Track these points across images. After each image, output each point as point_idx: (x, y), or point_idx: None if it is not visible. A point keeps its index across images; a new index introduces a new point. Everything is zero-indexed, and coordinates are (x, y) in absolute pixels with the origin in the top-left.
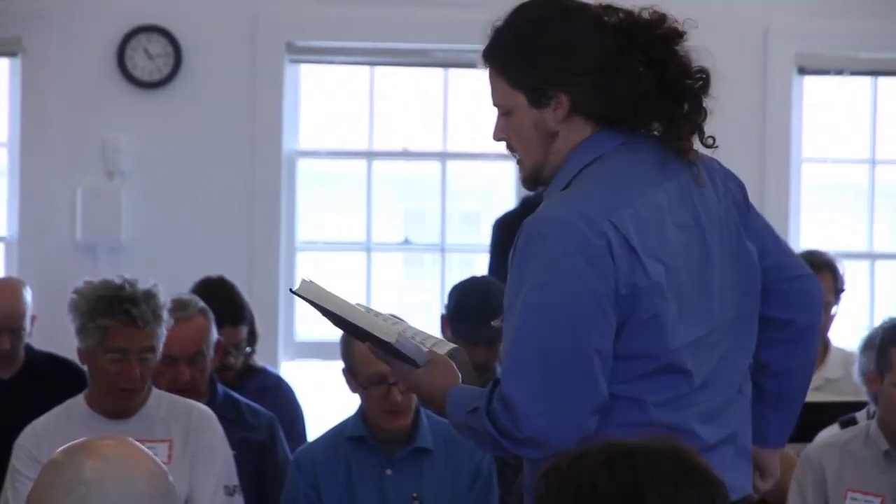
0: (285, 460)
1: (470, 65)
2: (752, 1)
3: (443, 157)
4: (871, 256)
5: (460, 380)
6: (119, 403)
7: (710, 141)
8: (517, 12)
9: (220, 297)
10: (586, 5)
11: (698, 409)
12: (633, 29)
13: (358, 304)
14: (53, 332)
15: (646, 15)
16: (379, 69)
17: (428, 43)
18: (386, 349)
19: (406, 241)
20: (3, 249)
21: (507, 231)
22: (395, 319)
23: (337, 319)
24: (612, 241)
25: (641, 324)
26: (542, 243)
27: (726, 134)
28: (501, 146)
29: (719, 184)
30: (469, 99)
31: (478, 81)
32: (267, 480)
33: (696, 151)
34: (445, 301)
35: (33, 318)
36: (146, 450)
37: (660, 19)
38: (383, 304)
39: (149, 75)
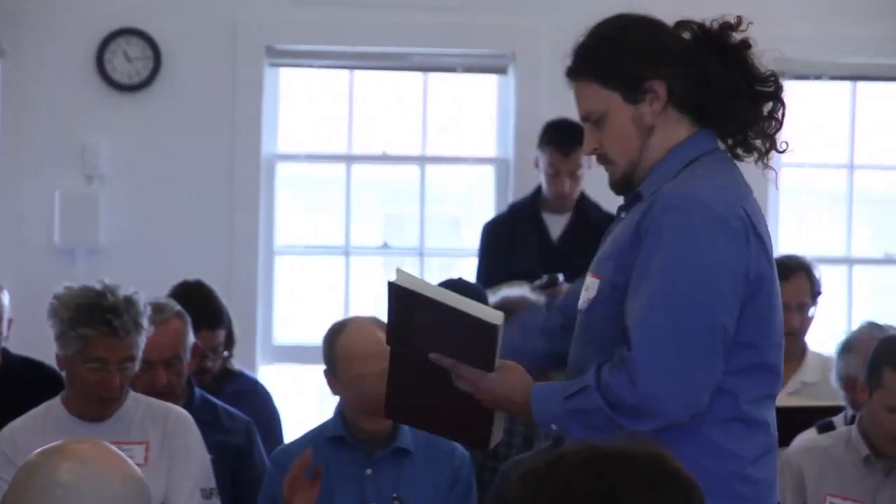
0: (262, 464)
1: (449, 69)
2: (735, 6)
3: (422, 161)
4: (850, 261)
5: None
6: (97, 410)
7: (784, 146)
8: (596, 27)
9: (198, 301)
10: (663, 22)
11: (770, 413)
12: (707, 36)
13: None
14: (30, 336)
15: (716, 25)
16: (358, 73)
17: (407, 47)
18: (463, 349)
19: (385, 246)
20: None
21: (496, 235)
22: None
23: (431, 313)
24: (747, 226)
25: (758, 311)
26: (684, 217)
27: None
28: (481, 151)
29: None
30: (448, 103)
31: (456, 86)
32: (243, 484)
33: None
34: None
35: (10, 321)
36: (121, 453)
37: (731, 26)
38: (362, 308)
39: (128, 78)
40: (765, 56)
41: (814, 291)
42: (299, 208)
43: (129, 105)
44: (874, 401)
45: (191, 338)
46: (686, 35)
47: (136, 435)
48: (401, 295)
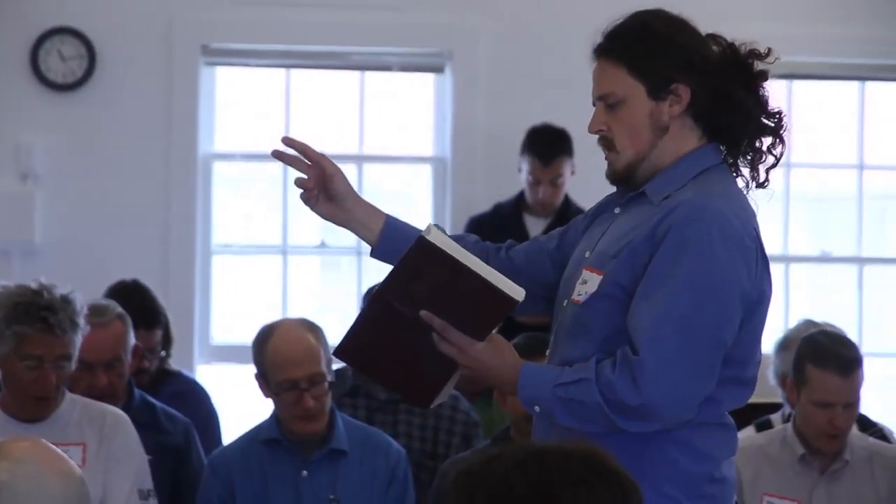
0: (200, 465)
1: (386, 68)
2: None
3: (359, 160)
4: (786, 260)
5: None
6: (33, 410)
7: (767, 183)
8: (640, 15)
9: (135, 301)
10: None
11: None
12: (737, 56)
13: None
14: None
15: (744, 49)
16: (295, 72)
17: (344, 46)
18: (466, 317)
19: (323, 245)
20: None
21: (479, 229)
22: None
23: (449, 275)
24: (757, 246)
25: (753, 329)
26: (706, 230)
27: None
28: (418, 149)
29: None
30: (385, 102)
31: (394, 85)
32: (182, 485)
33: None
34: (362, 304)
35: None
36: (61, 452)
37: (759, 55)
38: (300, 307)
39: (63, 77)
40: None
41: None
42: (236, 207)
43: (64, 104)
44: (802, 398)
45: (132, 339)
46: (715, 48)
47: (73, 436)
48: (426, 251)
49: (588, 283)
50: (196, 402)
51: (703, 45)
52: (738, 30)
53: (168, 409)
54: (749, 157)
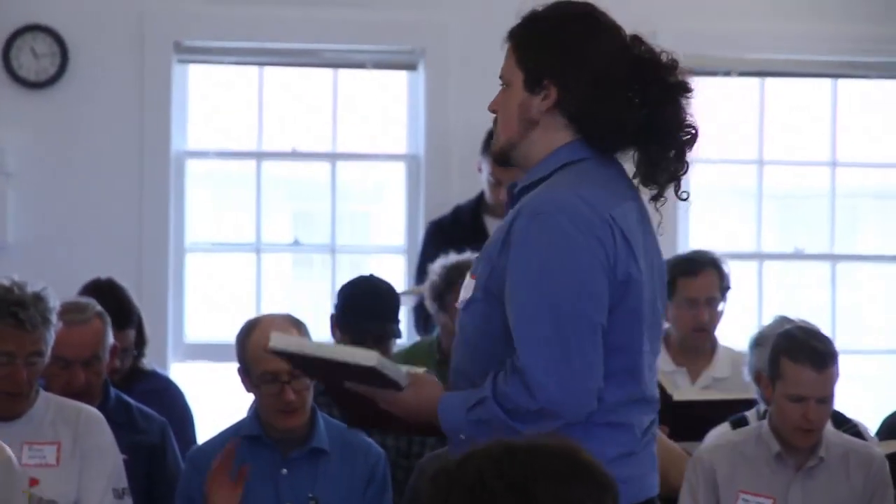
0: (176, 464)
1: (359, 65)
2: (641, 2)
3: (332, 157)
4: (759, 257)
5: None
6: (5, 406)
7: (684, 195)
8: (556, 5)
9: (109, 299)
10: (617, 26)
11: (637, 429)
12: (647, 65)
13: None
14: None
15: (665, 58)
16: (268, 69)
17: (317, 43)
18: (366, 379)
19: (296, 242)
20: None
21: (439, 234)
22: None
23: (312, 367)
24: (614, 229)
25: (627, 313)
26: (552, 221)
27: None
28: (392, 147)
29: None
30: (358, 99)
31: (366, 82)
32: (158, 484)
33: None
34: (335, 302)
35: None
36: None
37: (674, 67)
38: (273, 305)
39: (35, 75)
40: (673, 52)
41: (723, 286)
42: (210, 205)
43: (37, 102)
44: (776, 393)
45: (110, 338)
46: (635, 50)
47: (48, 435)
48: (286, 357)
49: (467, 289)
50: (170, 400)
51: (596, 45)
52: (711, 26)
53: (144, 408)
54: (646, 167)
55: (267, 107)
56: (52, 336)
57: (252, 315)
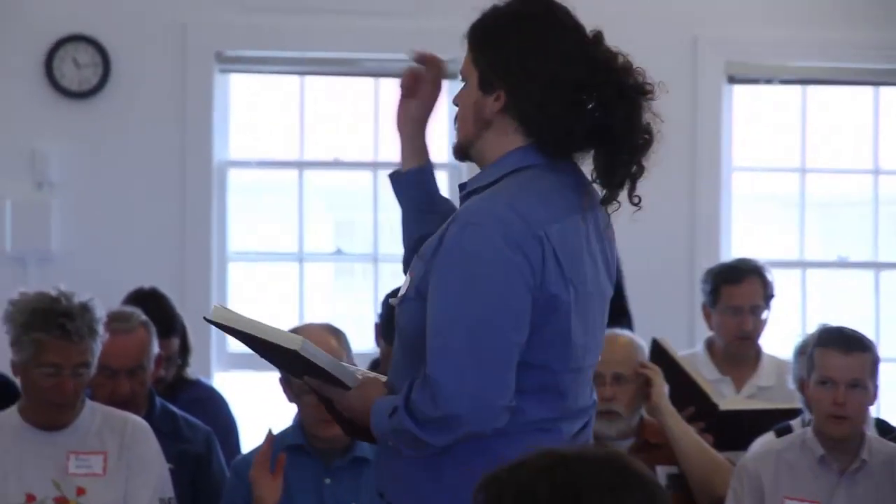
0: (221, 473)
1: (400, 74)
2: (682, 10)
3: (374, 166)
4: (802, 265)
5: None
6: (51, 417)
7: (636, 199)
8: (517, 1)
9: (152, 308)
10: (578, 26)
11: (566, 434)
12: (601, 67)
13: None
14: None
15: (620, 60)
16: (309, 79)
17: (358, 52)
18: (317, 373)
19: (338, 251)
20: None
21: None
22: (355, 368)
23: (251, 342)
24: (545, 249)
25: (552, 334)
26: (480, 232)
27: (657, 143)
28: (433, 156)
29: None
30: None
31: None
32: (203, 493)
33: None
34: (379, 310)
35: None
36: None
37: (629, 70)
38: (316, 314)
39: (77, 85)
40: (718, 60)
41: (767, 294)
42: (252, 215)
43: (79, 112)
44: (810, 384)
45: (155, 347)
46: (593, 50)
47: (94, 445)
48: (223, 328)
49: (404, 286)
50: (215, 409)
51: (538, 53)
52: (753, 34)
53: (189, 418)
54: (599, 171)
55: (308, 116)
56: (98, 347)
57: (294, 324)
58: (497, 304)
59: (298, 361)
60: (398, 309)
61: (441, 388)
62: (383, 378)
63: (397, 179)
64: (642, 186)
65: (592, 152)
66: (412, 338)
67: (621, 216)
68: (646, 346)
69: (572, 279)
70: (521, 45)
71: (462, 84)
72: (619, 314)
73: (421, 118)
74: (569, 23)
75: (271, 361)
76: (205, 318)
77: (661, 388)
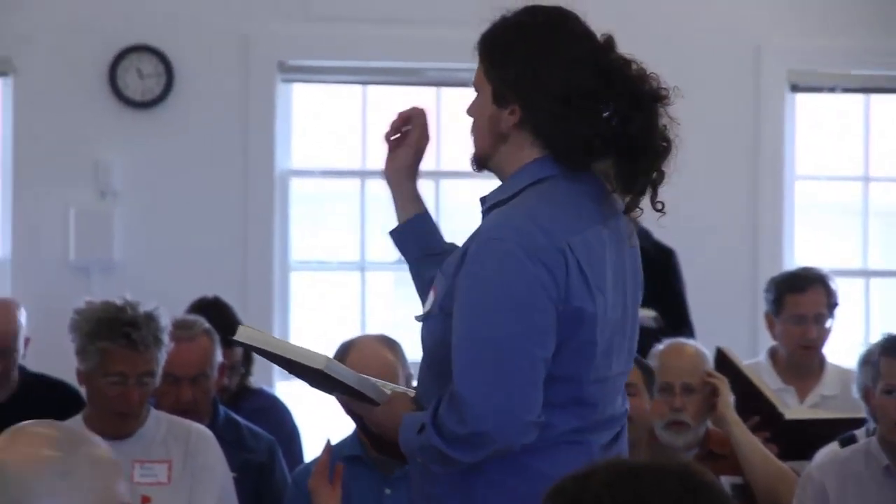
0: (284, 481)
1: (462, 84)
2: (745, 19)
3: (436, 176)
4: (866, 274)
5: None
6: (116, 425)
7: (659, 205)
8: (524, 11)
9: (215, 317)
10: (589, 33)
11: (598, 439)
12: (615, 75)
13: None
14: (48, 354)
15: (636, 68)
16: (371, 88)
17: (420, 62)
18: (345, 390)
19: (401, 261)
20: None
21: None
22: (384, 382)
23: (279, 360)
24: (568, 261)
25: (578, 347)
26: (503, 248)
27: (720, 151)
28: None
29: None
30: (462, 118)
31: (469, 100)
32: (266, 502)
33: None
34: None
35: (27, 339)
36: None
37: (644, 77)
38: (377, 323)
39: (141, 95)
40: (781, 69)
41: (831, 303)
42: (314, 224)
43: (142, 121)
44: (877, 392)
45: (218, 356)
46: (606, 57)
47: (159, 453)
48: (250, 349)
49: (427, 302)
50: (277, 418)
51: (551, 66)
52: (816, 43)
53: (252, 427)
54: (619, 179)
55: (371, 125)
56: (163, 356)
57: (355, 333)
58: (521, 319)
59: (326, 379)
60: (422, 325)
61: (467, 406)
62: (411, 392)
63: (400, 234)
64: (705, 195)
65: (612, 161)
66: (436, 354)
67: (683, 226)
68: (710, 356)
69: (599, 289)
70: (532, 58)
71: (475, 94)
72: (680, 324)
73: (410, 166)
74: (579, 31)
75: (301, 378)
76: (231, 338)
77: (728, 398)
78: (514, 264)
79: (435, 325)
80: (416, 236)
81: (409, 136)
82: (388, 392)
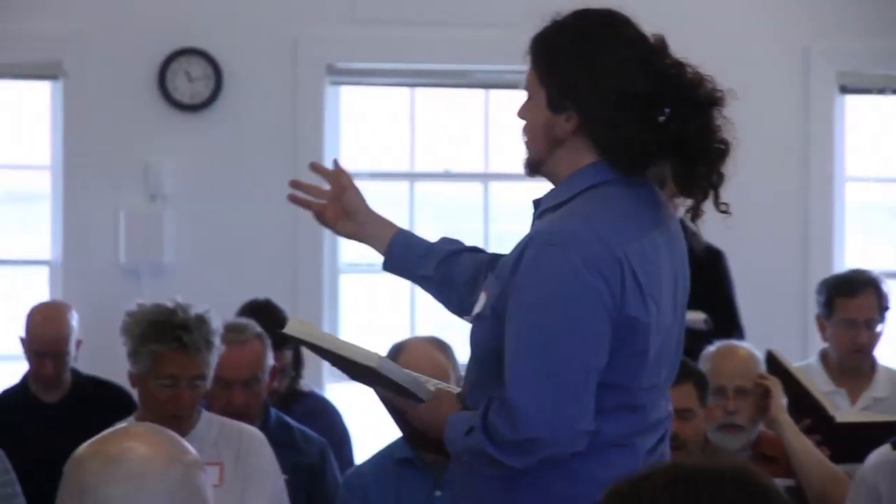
0: (336, 484)
1: (510, 86)
2: (793, 21)
3: (484, 178)
4: None
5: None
6: (168, 428)
7: (724, 207)
8: (576, 15)
9: (265, 320)
10: (643, 37)
11: (641, 449)
12: (671, 80)
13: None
14: (99, 356)
15: (691, 72)
16: (419, 90)
17: (468, 64)
18: (390, 385)
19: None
20: (48, 273)
21: None
22: (426, 378)
23: (326, 354)
24: (624, 270)
25: (630, 356)
26: (560, 254)
27: (769, 153)
28: None
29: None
30: (510, 120)
31: (518, 102)
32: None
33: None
34: None
35: (78, 342)
36: (169, 443)
37: (700, 81)
38: (426, 324)
39: (189, 98)
40: (830, 70)
41: (882, 307)
42: None
43: (192, 124)
44: None
45: (270, 359)
46: (660, 61)
47: (210, 456)
48: (298, 342)
49: (479, 303)
50: (328, 420)
51: (608, 71)
52: (865, 44)
53: (304, 429)
54: (679, 182)
55: (419, 128)
56: (214, 359)
57: (405, 335)
58: (575, 328)
59: (373, 375)
60: (473, 326)
61: (520, 413)
62: (456, 390)
63: (389, 268)
64: (755, 197)
65: (668, 164)
66: (485, 355)
67: (733, 228)
68: (761, 358)
69: (653, 297)
70: (588, 64)
71: (525, 97)
72: (731, 326)
73: (351, 208)
74: (632, 34)
75: (344, 371)
76: (280, 331)
77: (780, 401)
78: (571, 272)
79: (486, 327)
80: (409, 253)
81: (334, 190)
82: (432, 388)
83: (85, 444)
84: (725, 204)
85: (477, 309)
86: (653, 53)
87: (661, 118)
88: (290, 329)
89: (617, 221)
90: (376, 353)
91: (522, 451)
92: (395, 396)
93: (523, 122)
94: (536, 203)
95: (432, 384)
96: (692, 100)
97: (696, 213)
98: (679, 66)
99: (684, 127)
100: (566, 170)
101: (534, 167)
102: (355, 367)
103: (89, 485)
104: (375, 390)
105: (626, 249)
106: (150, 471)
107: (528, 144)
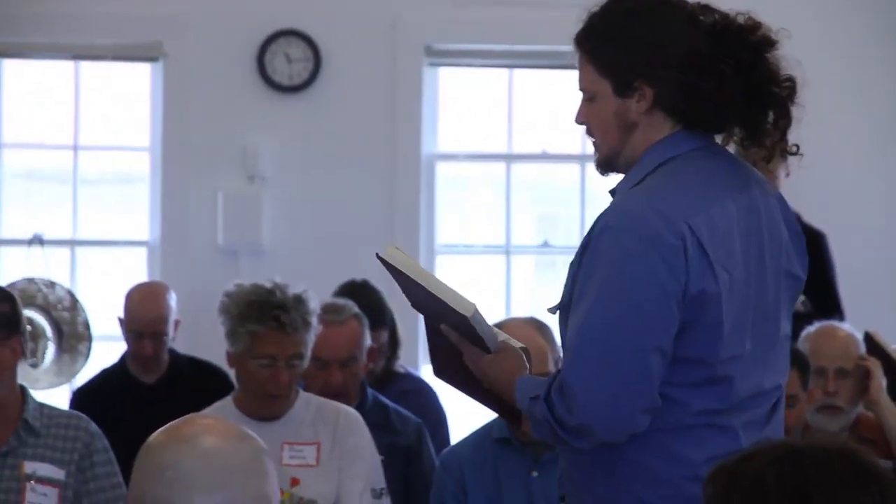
0: (432, 465)
1: None
2: None
3: (582, 159)
4: None
5: (528, 371)
6: (266, 407)
7: (794, 149)
8: (610, 3)
9: (363, 300)
10: (683, 2)
11: (741, 419)
12: (725, 32)
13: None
14: (197, 337)
15: (740, 20)
16: (517, 72)
17: (566, 45)
18: (461, 328)
19: (545, 244)
20: (146, 254)
21: None
22: (497, 331)
23: (414, 289)
24: (687, 243)
25: (703, 329)
26: (617, 236)
27: (867, 135)
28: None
29: (776, 204)
30: None
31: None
32: (414, 485)
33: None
34: None
35: (177, 322)
36: (237, 428)
37: (754, 26)
38: (521, 306)
39: (288, 79)
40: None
41: None
42: (459, 207)
43: (290, 106)
44: None
45: (367, 339)
46: (707, 19)
47: (308, 436)
48: (392, 269)
49: (561, 292)
50: (424, 401)
51: (672, 33)
52: None
53: (400, 410)
54: (757, 133)
55: (516, 109)
56: (312, 338)
57: (500, 316)
58: (631, 309)
59: (452, 317)
60: (558, 315)
61: (574, 397)
62: (523, 346)
63: None
64: (854, 177)
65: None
66: (564, 342)
67: (832, 209)
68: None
69: (724, 266)
70: (648, 38)
71: (587, 101)
72: (830, 308)
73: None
74: (672, 1)
75: (418, 309)
76: (377, 254)
77: (881, 382)
78: (625, 251)
79: (563, 316)
80: None
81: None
82: (500, 342)
83: (155, 433)
84: (796, 146)
85: (559, 297)
86: (697, 13)
87: (728, 71)
88: (387, 255)
89: (681, 194)
90: (472, 303)
91: (577, 434)
92: (463, 341)
93: (585, 126)
94: (613, 193)
95: (503, 337)
96: (752, 45)
97: (771, 160)
98: (725, 17)
99: (754, 72)
100: (640, 152)
101: (607, 164)
102: (438, 307)
103: (167, 462)
104: (442, 328)
105: (691, 221)
106: (224, 446)
107: (599, 143)
